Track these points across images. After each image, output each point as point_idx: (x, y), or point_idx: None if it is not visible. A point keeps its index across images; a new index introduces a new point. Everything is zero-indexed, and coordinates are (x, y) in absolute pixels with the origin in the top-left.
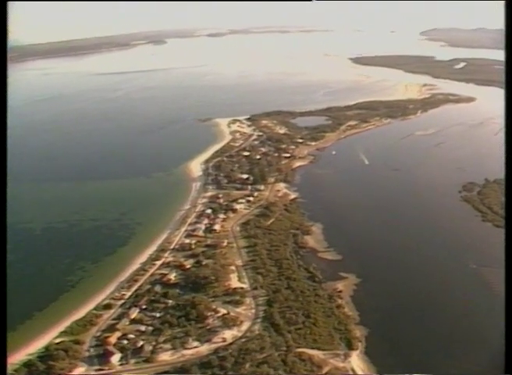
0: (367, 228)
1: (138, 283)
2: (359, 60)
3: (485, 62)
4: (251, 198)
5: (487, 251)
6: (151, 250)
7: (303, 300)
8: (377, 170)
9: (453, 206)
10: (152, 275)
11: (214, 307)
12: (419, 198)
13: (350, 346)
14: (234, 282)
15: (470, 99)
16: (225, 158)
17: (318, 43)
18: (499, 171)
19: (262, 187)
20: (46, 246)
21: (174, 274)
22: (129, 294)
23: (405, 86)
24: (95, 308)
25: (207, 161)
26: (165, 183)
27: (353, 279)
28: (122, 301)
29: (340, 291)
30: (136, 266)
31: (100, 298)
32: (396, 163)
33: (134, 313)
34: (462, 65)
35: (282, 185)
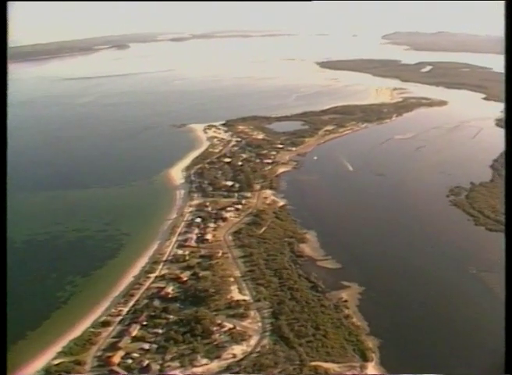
0: (361, 235)
1: (135, 298)
2: (326, 64)
3: (451, 65)
4: (240, 206)
5: (484, 256)
6: (143, 262)
7: (309, 311)
8: (362, 176)
9: (444, 211)
10: (148, 289)
11: (219, 321)
12: (408, 203)
13: (365, 357)
14: (235, 294)
15: (442, 103)
16: (206, 165)
17: (282, 47)
18: (482, 174)
19: (249, 195)
20: (30, 260)
21: (172, 287)
22: (126, 309)
23: (376, 90)
24: (92, 326)
25: (188, 168)
26: (148, 192)
27: (357, 287)
28: (120, 317)
29: (346, 301)
30: (129, 279)
31: (95, 315)
32: (380, 168)
33: (135, 330)
34: (429, 68)
35: (268, 192)
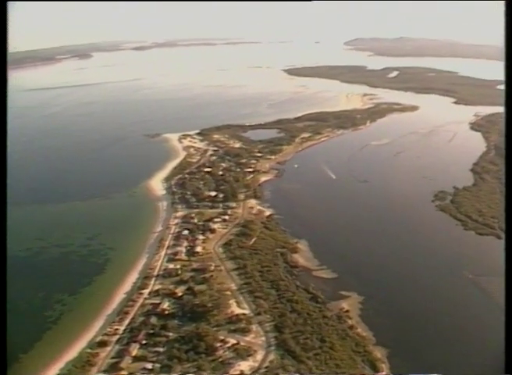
0: (353, 244)
1: (130, 316)
2: (292, 71)
3: (417, 70)
4: (227, 217)
5: (479, 260)
6: (133, 277)
7: (312, 323)
8: (345, 183)
9: (432, 216)
10: (143, 305)
11: (221, 337)
12: (396, 209)
13: (375, 368)
14: (234, 308)
15: (414, 108)
16: (187, 176)
17: (246, 55)
18: (464, 178)
19: (234, 205)
20: (13, 278)
21: (167, 303)
22: (122, 328)
23: (346, 96)
24: (89, 347)
25: (168, 178)
26: (129, 204)
27: (356, 297)
28: (117, 336)
29: (347, 311)
30: (120, 296)
31: (90, 335)
32: (362, 175)
33: (135, 350)
34: (395, 74)
35: (253, 202)
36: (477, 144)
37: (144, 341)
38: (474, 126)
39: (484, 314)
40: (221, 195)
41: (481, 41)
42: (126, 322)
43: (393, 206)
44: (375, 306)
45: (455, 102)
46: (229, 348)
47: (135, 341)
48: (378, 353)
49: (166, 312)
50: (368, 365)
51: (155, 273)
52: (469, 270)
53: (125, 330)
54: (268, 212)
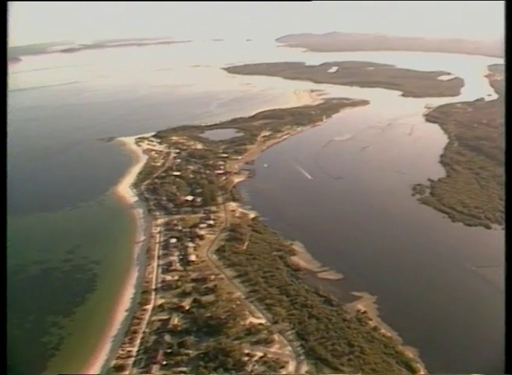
0: (348, 243)
1: (139, 335)
2: (233, 69)
3: (354, 64)
4: (211, 222)
5: (475, 252)
6: (130, 292)
7: (334, 327)
8: (320, 181)
9: (416, 210)
10: (151, 323)
11: (246, 351)
12: (379, 205)
13: (412, 369)
14: (249, 318)
15: (364, 102)
16: (156, 180)
17: (181, 54)
18: (435, 170)
19: (214, 208)
20: None
21: (177, 319)
22: (135, 349)
23: (294, 93)
24: (107, 373)
25: (136, 184)
26: (100, 213)
27: (369, 297)
28: (132, 359)
29: (365, 312)
30: (121, 314)
31: (101, 359)
32: (335, 171)
33: (158, 372)
34: (335, 69)
35: (233, 204)
36: (437, 136)
37: (164, 362)
38: (430, 118)
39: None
40: (199, 199)
41: (408, 34)
42: (138, 342)
43: (376, 202)
44: (391, 305)
45: (402, 95)
46: (257, 361)
47: (154, 363)
48: (410, 353)
49: (179, 329)
50: (404, 366)
51: (153, 287)
52: (471, 262)
53: (138, 351)
54: (252, 215)
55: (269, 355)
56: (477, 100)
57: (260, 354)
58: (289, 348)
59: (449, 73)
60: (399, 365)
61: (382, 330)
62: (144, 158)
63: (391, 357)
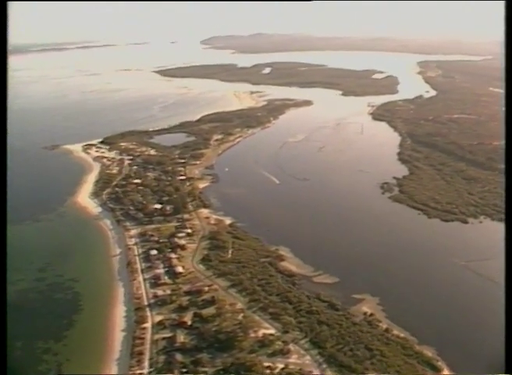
0: (334, 245)
1: (145, 356)
2: (166, 73)
3: (286, 65)
4: (189, 230)
5: (459, 246)
6: (121, 310)
7: (347, 333)
8: (286, 183)
9: (391, 208)
10: (155, 342)
11: (266, 364)
12: (352, 204)
13: (435, 368)
14: (258, 329)
15: (308, 102)
16: (117, 189)
17: (107, 58)
18: (397, 168)
19: (187, 216)
20: None
21: (182, 336)
22: (145, 371)
23: (235, 95)
24: None
25: (96, 194)
26: (64, 225)
27: (371, 298)
28: None
29: (372, 314)
30: (118, 334)
31: None
32: (298, 173)
33: None
34: (268, 70)
35: (205, 211)
36: (388, 134)
37: None
38: (376, 116)
39: (487, 295)
40: (168, 207)
41: (331, 34)
42: (146, 363)
43: (348, 202)
44: (395, 305)
45: (343, 94)
46: (280, 373)
47: None
48: (429, 352)
49: (188, 346)
50: (427, 366)
51: (146, 303)
52: (458, 257)
53: (150, 373)
54: (228, 221)
55: (291, 367)
56: (416, 97)
57: (281, 365)
58: (308, 357)
59: (381, 72)
60: (421, 365)
61: (395, 332)
62: (96, 166)
63: (411, 358)
